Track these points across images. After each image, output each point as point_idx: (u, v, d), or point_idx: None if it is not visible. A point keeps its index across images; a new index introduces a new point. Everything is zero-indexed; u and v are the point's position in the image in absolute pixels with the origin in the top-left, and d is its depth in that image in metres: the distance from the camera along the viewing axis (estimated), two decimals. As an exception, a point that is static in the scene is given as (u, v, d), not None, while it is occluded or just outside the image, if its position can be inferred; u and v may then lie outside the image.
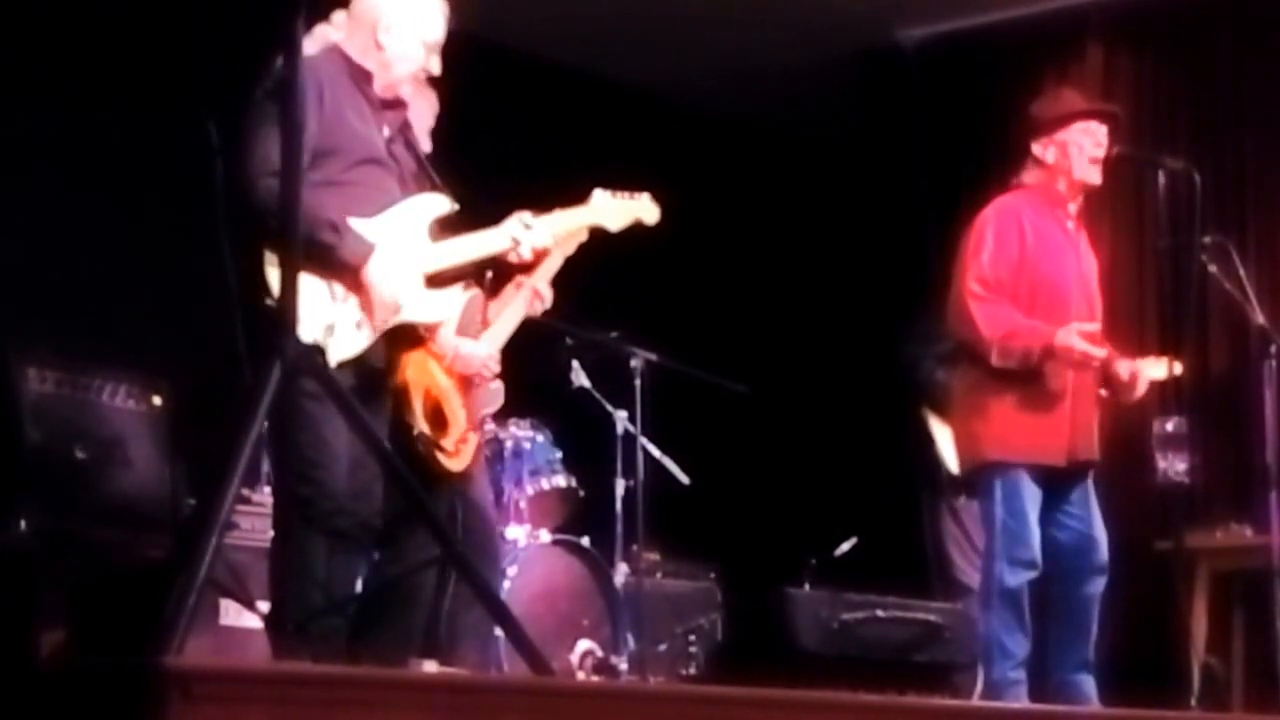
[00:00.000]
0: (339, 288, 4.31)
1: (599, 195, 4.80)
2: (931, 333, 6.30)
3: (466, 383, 5.28)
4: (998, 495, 5.38)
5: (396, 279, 4.37)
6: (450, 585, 5.11)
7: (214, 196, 4.01)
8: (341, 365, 4.26)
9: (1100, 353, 5.43)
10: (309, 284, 4.19)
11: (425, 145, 5.07)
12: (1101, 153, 5.62)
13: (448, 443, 5.14)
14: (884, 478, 7.05)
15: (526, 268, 5.02)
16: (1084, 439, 5.51)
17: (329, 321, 4.27)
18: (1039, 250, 5.53)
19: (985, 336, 5.41)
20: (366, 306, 4.34)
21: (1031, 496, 5.39)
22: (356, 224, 4.35)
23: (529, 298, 5.31)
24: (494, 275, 4.95)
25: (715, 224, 8.58)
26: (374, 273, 4.31)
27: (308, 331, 4.17)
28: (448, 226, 4.59)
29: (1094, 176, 5.62)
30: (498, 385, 5.53)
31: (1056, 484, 5.48)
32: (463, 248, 4.59)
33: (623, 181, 5.02)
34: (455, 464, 5.22)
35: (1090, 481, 5.55)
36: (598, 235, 4.98)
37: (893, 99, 8.46)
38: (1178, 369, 6.10)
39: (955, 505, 6.59)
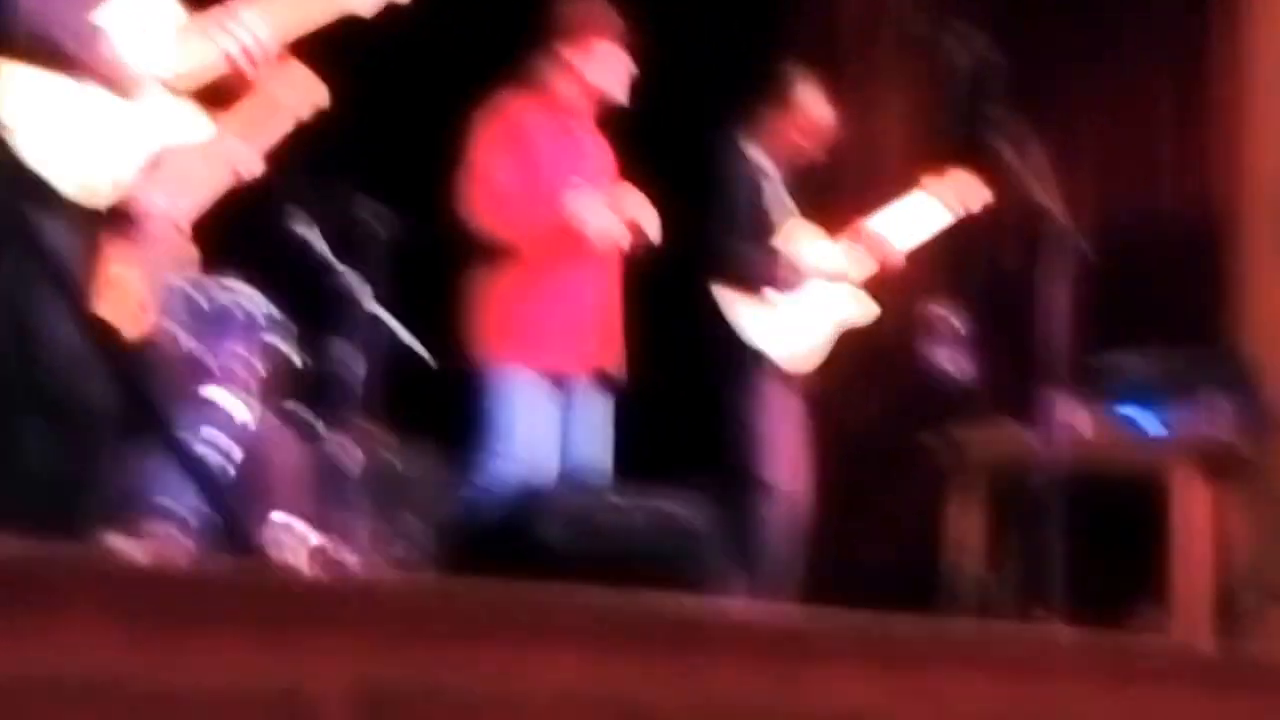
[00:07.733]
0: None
1: None
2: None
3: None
4: (499, 398, 5.60)
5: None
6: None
7: None
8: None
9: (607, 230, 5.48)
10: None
11: None
12: (630, 72, 5.62)
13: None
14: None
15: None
16: (609, 349, 5.58)
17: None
18: (549, 161, 5.62)
19: (504, 236, 5.58)
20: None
21: (539, 404, 5.51)
22: None
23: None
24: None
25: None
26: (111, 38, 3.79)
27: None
28: None
29: (623, 96, 5.63)
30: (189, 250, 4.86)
31: (573, 394, 5.63)
32: (185, 56, 4.02)
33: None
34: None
35: (607, 400, 5.63)
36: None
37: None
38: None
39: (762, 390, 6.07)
